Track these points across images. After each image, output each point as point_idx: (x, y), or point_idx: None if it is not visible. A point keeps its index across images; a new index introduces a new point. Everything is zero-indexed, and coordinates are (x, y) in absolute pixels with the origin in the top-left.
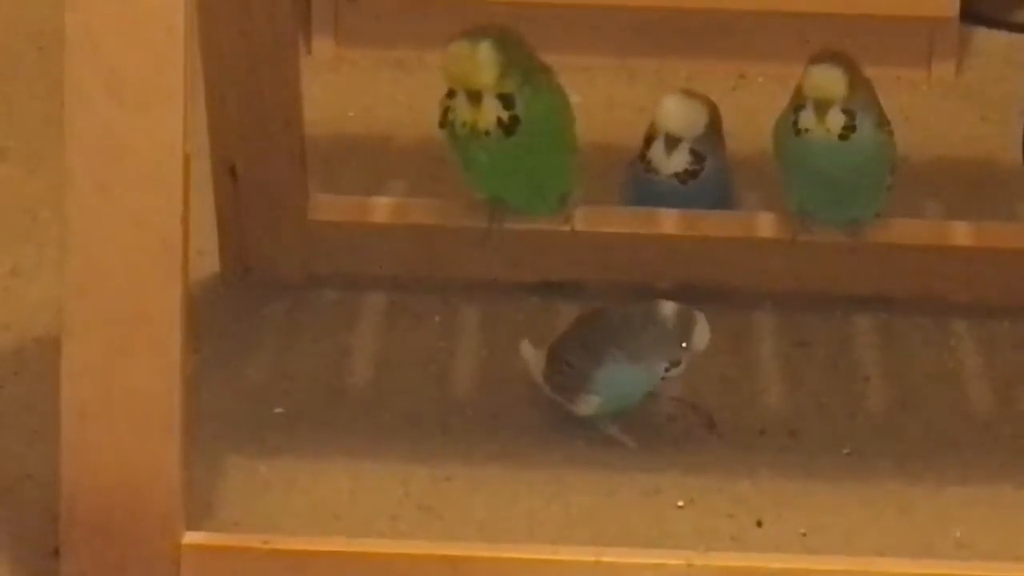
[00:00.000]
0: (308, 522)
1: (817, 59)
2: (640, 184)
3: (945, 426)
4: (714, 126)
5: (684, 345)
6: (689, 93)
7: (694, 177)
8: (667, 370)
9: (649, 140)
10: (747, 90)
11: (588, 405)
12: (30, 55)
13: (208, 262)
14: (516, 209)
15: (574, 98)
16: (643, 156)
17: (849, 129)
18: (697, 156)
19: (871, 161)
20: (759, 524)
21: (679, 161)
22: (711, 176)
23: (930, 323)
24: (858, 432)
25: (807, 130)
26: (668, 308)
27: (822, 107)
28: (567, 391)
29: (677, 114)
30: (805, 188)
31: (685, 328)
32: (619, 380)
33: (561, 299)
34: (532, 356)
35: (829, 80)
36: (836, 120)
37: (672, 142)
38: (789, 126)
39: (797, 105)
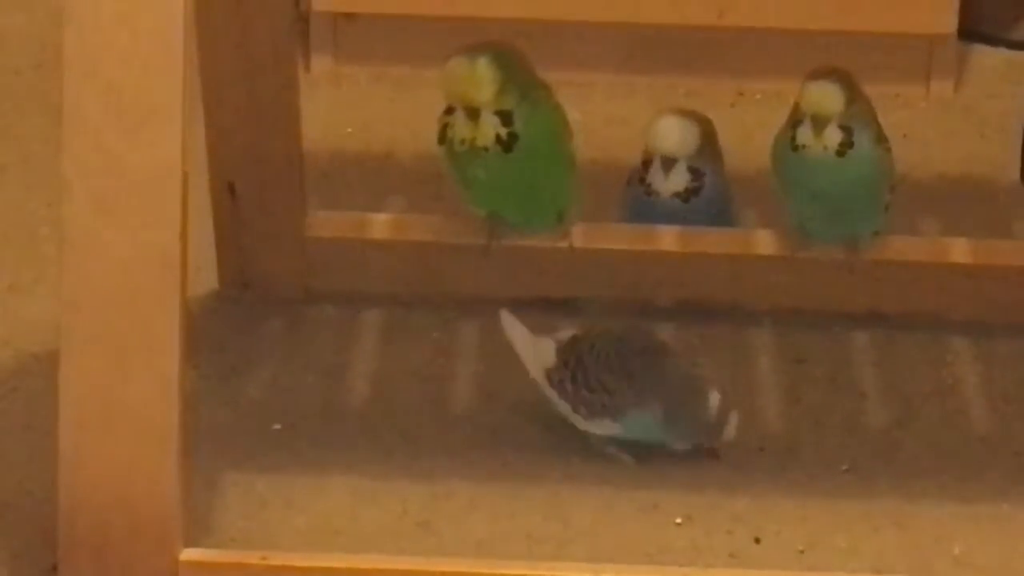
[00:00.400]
0: (306, 538)
1: (815, 75)
2: (641, 206)
3: (943, 443)
4: (709, 141)
5: (711, 436)
6: (680, 111)
7: (696, 194)
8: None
9: (646, 163)
10: (745, 107)
11: (603, 429)
12: (28, 72)
13: (207, 278)
14: (514, 226)
15: (573, 115)
16: (642, 179)
17: (846, 145)
18: (696, 173)
19: (868, 177)
20: (757, 541)
21: (678, 181)
22: (712, 191)
23: (928, 340)
24: (856, 449)
25: (804, 146)
26: (715, 399)
27: (819, 123)
28: (587, 407)
29: (669, 134)
30: (803, 205)
31: (721, 421)
32: (646, 429)
33: (560, 315)
34: (523, 337)
35: (826, 96)
36: (833, 136)
37: (668, 163)
38: (787, 142)
39: (795, 121)
